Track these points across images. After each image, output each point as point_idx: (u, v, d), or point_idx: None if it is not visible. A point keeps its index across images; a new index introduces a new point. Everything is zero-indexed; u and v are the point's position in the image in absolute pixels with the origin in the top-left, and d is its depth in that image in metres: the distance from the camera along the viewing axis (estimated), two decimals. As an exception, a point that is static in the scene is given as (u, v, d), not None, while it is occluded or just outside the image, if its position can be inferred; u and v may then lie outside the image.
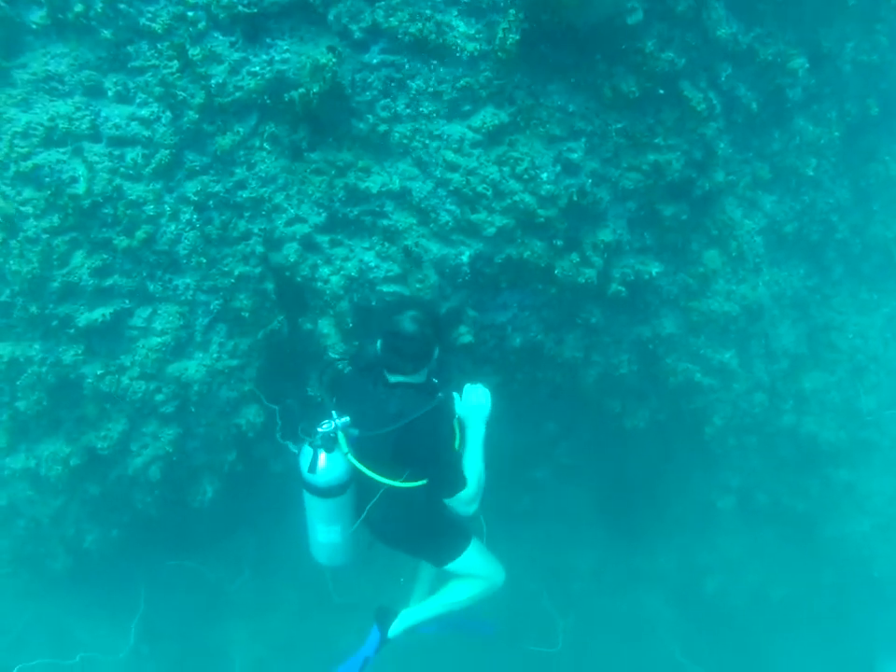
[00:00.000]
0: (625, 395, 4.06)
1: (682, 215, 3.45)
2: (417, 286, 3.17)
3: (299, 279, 3.23)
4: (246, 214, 3.17)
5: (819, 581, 5.57)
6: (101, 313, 3.08)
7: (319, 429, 2.86)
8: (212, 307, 3.24)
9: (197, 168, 3.08)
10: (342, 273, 3.18)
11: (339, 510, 3.06)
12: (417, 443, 2.85)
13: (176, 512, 3.86)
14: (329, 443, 2.88)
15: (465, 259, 3.19)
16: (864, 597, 5.66)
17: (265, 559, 4.93)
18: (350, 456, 2.91)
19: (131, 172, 3.00)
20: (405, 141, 3.08)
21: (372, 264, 3.19)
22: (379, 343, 2.97)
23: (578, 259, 3.28)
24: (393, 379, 2.98)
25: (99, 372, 3.16)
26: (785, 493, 5.13)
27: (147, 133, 2.98)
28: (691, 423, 4.17)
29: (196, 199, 3.08)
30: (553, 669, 5.13)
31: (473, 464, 2.98)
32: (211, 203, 3.12)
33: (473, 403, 3.04)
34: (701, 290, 3.74)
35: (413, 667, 4.35)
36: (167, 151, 3.00)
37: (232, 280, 3.20)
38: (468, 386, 3.09)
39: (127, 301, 3.14)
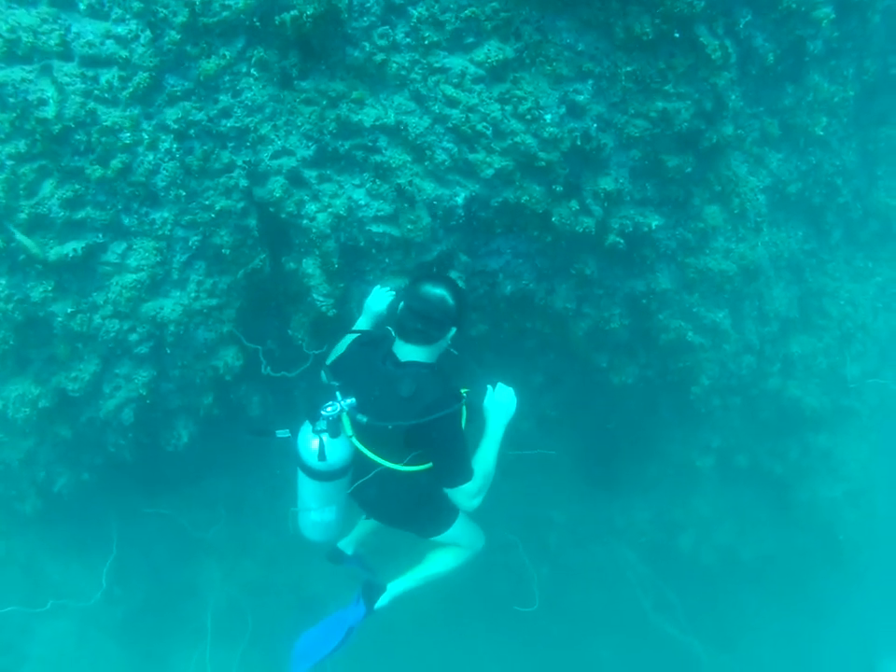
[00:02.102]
0: (615, 350, 3.99)
1: (687, 167, 3.33)
2: (409, 227, 3.04)
3: (283, 216, 3.08)
4: (230, 144, 3.01)
5: (788, 543, 5.68)
6: (72, 247, 2.95)
7: (323, 412, 2.68)
8: (190, 243, 3.10)
9: (178, 93, 2.89)
10: (329, 210, 3.03)
11: (337, 491, 2.95)
12: (431, 431, 2.66)
13: (150, 456, 3.81)
14: (334, 429, 2.73)
15: (460, 200, 3.06)
16: (828, 561, 5.80)
17: (239, 502, 4.91)
18: (354, 439, 2.77)
19: (106, 95, 2.82)
20: (403, 72, 2.91)
21: (362, 202, 3.04)
22: (401, 304, 2.79)
23: (577, 207, 3.16)
24: (404, 357, 2.79)
25: (69, 310, 3.05)
26: (764, 455, 5.19)
27: (123, 54, 2.78)
28: (678, 381, 4.13)
29: (176, 127, 2.91)
30: (524, 619, 5.22)
31: (485, 459, 2.85)
32: (192, 131, 2.95)
33: (501, 402, 2.96)
34: (699, 247, 3.64)
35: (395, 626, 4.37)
36: (146, 74, 2.82)
37: (213, 215, 3.05)
38: (500, 384, 3.01)
39: (100, 236, 3.00)
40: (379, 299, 3.17)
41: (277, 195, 3.03)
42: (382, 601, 3.30)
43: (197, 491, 4.66)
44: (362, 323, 3.19)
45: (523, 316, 3.67)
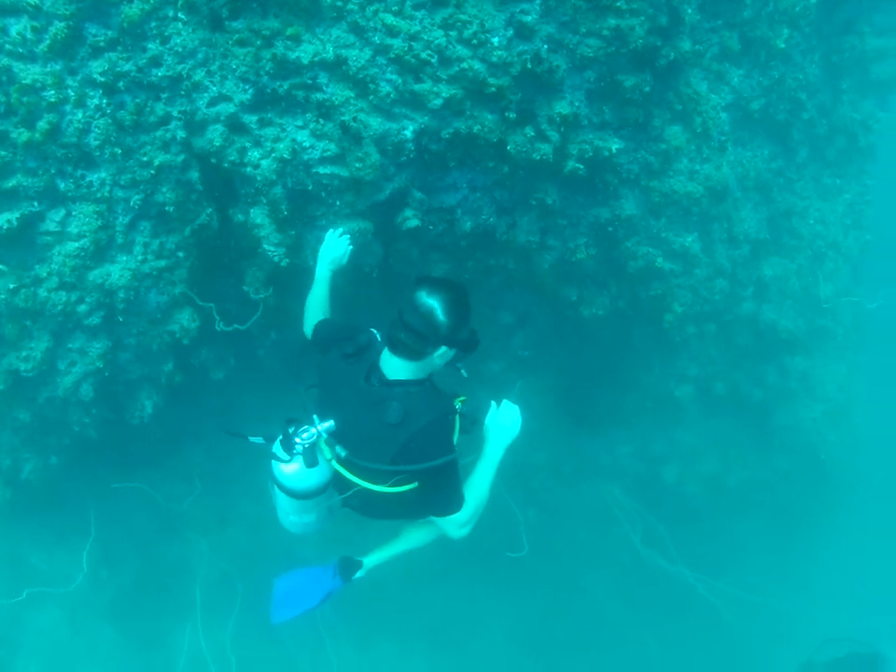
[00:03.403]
0: (583, 281, 3.92)
1: (645, 86, 3.22)
2: (357, 165, 2.90)
3: (226, 165, 2.94)
4: (163, 95, 2.85)
5: (772, 467, 5.74)
6: (6, 219, 2.78)
7: (298, 440, 2.42)
8: (132, 203, 2.95)
9: (102, 44, 2.71)
10: (273, 155, 2.89)
11: (315, 504, 2.77)
12: (419, 456, 2.36)
13: (119, 432, 3.70)
14: (311, 457, 2.47)
15: (409, 134, 2.94)
16: (811, 481, 5.87)
17: (217, 472, 4.81)
18: (334, 462, 2.53)
19: (20, 50, 2.62)
20: (339, 3, 2.74)
21: (307, 144, 2.90)
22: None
23: (533, 134, 3.05)
24: (391, 374, 2.43)
25: (11, 286, 2.90)
26: (742, 381, 5.20)
27: (32, 1, 2.57)
28: (650, 310, 4.07)
29: (104, 80, 2.73)
30: (518, 564, 5.25)
31: (479, 485, 2.59)
32: (121, 84, 2.77)
33: (504, 423, 2.66)
34: (663, 169, 3.56)
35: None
36: (63, 24, 2.62)
37: (153, 171, 2.90)
38: (505, 402, 2.73)
39: (35, 204, 2.84)
40: (333, 245, 3.04)
41: (218, 144, 2.88)
42: (358, 574, 3.18)
43: (171, 463, 4.55)
44: (320, 273, 3.04)
45: (486, 253, 3.58)
